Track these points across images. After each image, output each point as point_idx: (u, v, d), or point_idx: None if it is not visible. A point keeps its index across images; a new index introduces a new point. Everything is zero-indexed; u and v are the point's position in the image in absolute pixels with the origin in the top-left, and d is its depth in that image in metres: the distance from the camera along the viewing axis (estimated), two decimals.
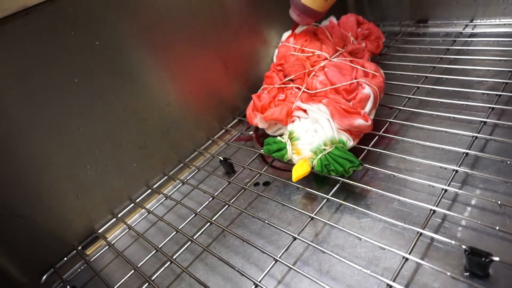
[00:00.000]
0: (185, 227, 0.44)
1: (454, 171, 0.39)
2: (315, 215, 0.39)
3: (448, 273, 0.30)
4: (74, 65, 0.42)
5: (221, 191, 0.48)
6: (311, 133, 0.45)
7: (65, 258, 0.46)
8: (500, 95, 0.47)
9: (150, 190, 0.53)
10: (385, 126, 0.48)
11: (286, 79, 0.55)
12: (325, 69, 0.50)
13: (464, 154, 0.40)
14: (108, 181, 0.48)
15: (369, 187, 0.41)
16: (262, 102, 0.51)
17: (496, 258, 0.29)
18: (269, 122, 0.51)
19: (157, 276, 0.40)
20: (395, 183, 0.42)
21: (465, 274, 0.32)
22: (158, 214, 0.49)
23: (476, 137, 0.42)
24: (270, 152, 0.47)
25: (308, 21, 0.56)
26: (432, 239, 0.35)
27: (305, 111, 0.47)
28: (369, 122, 0.44)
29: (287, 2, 0.55)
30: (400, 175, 0.40)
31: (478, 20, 0.62)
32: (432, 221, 0.37)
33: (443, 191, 0.37)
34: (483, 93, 0.49)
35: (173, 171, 0.55)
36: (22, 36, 0.37)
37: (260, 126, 0.52)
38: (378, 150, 0.45)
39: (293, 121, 0.47)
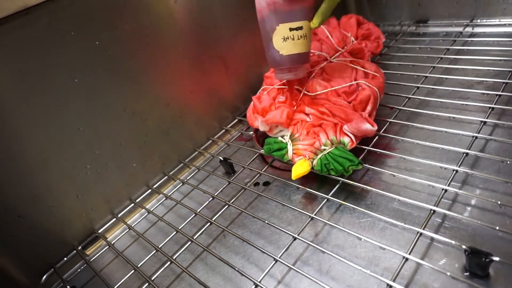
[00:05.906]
0: (185, 227, 0.44)
1: (454, 171, 0.39)
2: (315, 215, 0.39)
3: (448, 273, 0.30)
4: (74, 65, 0.42)
5: (221, 191, 0.48)
6: (312, 135, 0.45)
7: (65, 258, 0.46)
8: (500, 95, 0.47)
9: (150, 190, 0.53)
10: (385, 126, 0.48)
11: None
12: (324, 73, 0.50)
13: (464, 154, 0.40)
14: (108, 181, 0.48)
15: (369, 187, 0.41)
16: (262, 105, 0.50)
17: (496, 258, 0.29)
18: (270, 125, 0.51)
19: (157, 276, 0.40)
20: (395, 183, 0.42)
21: (465, 274, 0.32)
22: (158, 214, 0.49)
23: (476, 137, 0.42)
24: (271, 151, 0.47)
25: (302, 71, 0.47)
26: (432, 239, 0.35)
27: (308, 115, 0.47)
28: (375, 128, 0.44)
29: None
30: (400, 175, 0.40)
31: (478, 20, 0.62)
32: (432, 221, 0.37)
33: (443, 191, 0.37)
34: (483, 93, 0.49)
35: (173, 171, 0.55)
36: (22, 36, 0.37)
37: (261, 129, 0.51)
38: (378, 150, 0.45)
39: (295, 124, 0.47)
